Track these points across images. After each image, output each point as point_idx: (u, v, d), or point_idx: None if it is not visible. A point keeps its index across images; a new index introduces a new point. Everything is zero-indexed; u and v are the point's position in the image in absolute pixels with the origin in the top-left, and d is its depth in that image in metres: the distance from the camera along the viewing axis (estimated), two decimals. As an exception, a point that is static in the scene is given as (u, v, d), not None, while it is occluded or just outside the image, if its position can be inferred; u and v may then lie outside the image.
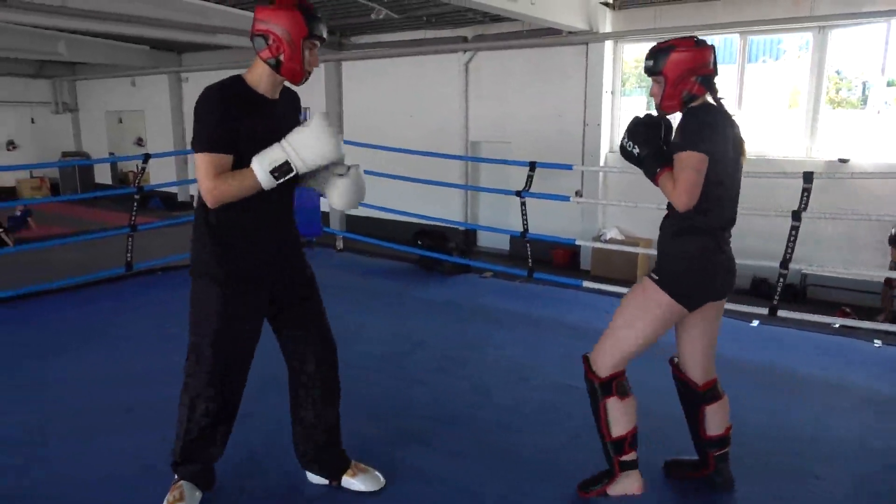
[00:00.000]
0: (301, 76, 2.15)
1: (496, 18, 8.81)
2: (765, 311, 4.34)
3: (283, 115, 2.23)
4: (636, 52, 8.53)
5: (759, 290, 7.15)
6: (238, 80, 2.15)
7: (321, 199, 6.93)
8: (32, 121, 15.60)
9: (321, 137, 2.07)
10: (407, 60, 10.12)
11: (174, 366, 2.64)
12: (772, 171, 6.27)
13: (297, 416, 2.43)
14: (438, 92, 9.85)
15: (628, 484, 2.46)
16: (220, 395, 2.24)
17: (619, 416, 2.38)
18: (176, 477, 2.31)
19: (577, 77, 8.56)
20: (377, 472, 2.52)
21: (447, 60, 9.68)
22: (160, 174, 13.28)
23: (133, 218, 5.16)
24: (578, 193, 8.55)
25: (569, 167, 5.83)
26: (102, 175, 15.64)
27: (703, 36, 2.56)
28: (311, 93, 10.89)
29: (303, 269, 2.38)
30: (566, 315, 4.79)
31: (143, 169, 5.56)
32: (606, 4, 7.94)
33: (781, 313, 4.23)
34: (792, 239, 4.13)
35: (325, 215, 7.21)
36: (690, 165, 2.20)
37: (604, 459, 2.47)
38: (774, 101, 7.94)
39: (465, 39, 9.49)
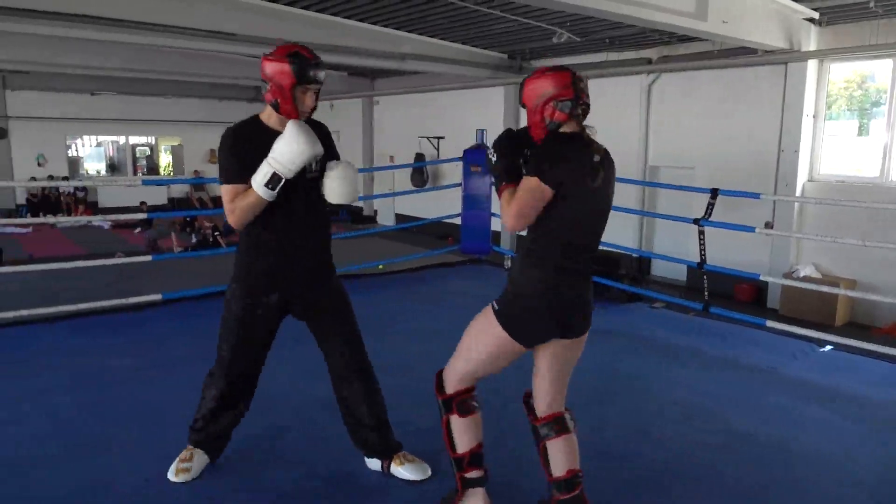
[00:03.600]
0: (296, 116, 2.41)
1: (683, 39, 8.45)
2: None
3: None
4: (846, 73, 7.68)
5: None
6: (253, 119, 2.53)
7: (491, 218, 7.10)
8: (248, 139, 17.76)
9: (294, 141, 2.31)
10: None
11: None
12: None
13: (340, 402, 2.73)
14: (617, 115, 9.63)
15: (472, 503, 2.40)
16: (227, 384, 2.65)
17: (461, 434, 2.35)
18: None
19: (773, 99, 7.91)
20: (425, 463, 2.75)
21: (628, 83, 9.44)
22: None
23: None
24: (768, 225, 7.86)
25: (755, 196, 5.33)
26: (300, 189, 17.32)
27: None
28: (489, 114, 11.23)
29: (327, 283, 2.65)
30: (744, 356, 4.40)
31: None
32: (812, 21, 7.26)
33: None
34: None
35: (497, 234, 7.33)
36: (528, 189, 2.18)
37: None
38: None
39: (648, 61, 9.20)
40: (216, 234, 12.00)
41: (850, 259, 7.35)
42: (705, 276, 4.83)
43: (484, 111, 11.53)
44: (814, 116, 7.72)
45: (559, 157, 2.21)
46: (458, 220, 7.25)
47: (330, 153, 2.55)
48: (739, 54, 7.92)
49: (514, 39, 9.38)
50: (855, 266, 7.36)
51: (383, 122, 14.54)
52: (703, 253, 4.83)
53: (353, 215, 14.85)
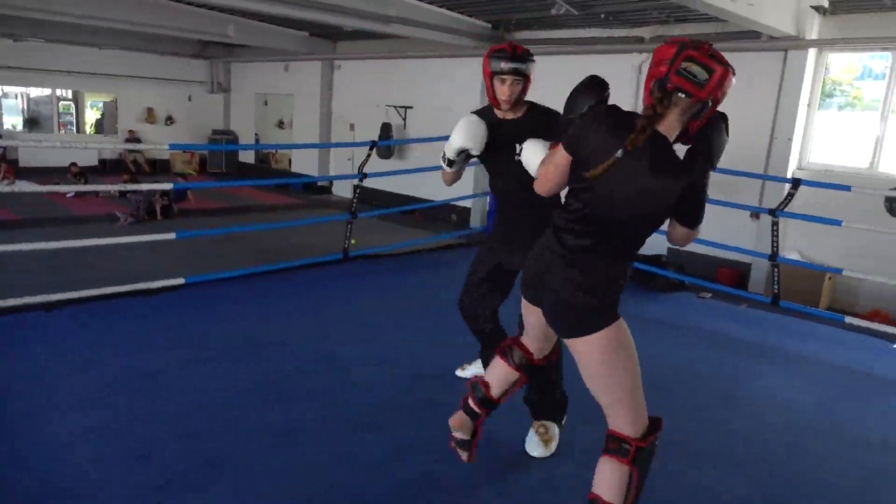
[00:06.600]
0: (496, 104, 2.88)
1: (682, 19, 8.34)
2: None
3: (518, 131, 2.86)
4: (843, 63, 7.80)
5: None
6: (488, 107, 2.98)
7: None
8: (189, 98, 16.45)
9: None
10: (572, 59, 9.78)
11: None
12: None
13: None
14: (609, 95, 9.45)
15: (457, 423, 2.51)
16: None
17: (490, 367, 2.50)
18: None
19: (769, 87, 7.94)
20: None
21: (619, 61, 9.26)
22: (300, 159, 14.10)
23: (353, 205, 5.19)
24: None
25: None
26: (245, 154, 16.32)
27: None
28: (460, 86, 10.79)
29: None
30: (822, 352, 4.30)
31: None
32: (817, 9, 7.28)
33: None
34: None
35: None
36: (552, 154, 2.25)
37: None
38: None
39: (641, 40, 9.04)
40: (164, 199, 11.01)
41: (833, 246, 7.51)
42: (777, 269, 4.72)
43: (454, 82, 11.08)
44: (808, 105, 7.81)
45: (590, 126, 2.07)
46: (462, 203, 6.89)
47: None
48: (741, 39, 7.87)
49: (504, 8, 8.97)
50: (838, 253, 7.52)
51: (343, 87, 13.77)
52: (775, 245, 4.72)
53: (306, 185, 14.10)
